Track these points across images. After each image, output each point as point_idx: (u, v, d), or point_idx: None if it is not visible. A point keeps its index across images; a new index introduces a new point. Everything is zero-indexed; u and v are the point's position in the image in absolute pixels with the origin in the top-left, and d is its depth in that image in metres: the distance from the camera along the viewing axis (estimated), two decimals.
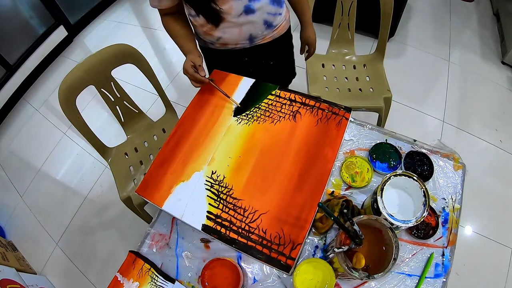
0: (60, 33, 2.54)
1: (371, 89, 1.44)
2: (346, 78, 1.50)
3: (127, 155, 1.36)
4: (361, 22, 1.52)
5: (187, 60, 0.91)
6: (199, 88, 1.00)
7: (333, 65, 1.54)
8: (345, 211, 0.64)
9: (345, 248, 0.60)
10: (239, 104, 0.94)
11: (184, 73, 0.93)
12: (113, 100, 1.27)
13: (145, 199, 0.83)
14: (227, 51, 1.03)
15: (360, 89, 1.44)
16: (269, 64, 1.12)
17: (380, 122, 1.46)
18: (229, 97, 0.94)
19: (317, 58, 1.54)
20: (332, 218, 0.61)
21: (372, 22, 1.58)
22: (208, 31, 0.96)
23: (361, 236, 0.60)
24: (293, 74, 1.30)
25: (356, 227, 0.60)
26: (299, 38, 1.17)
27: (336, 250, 0.60)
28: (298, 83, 2.05)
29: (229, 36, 0.96)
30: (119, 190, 1.25)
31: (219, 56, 1.06)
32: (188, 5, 0.90)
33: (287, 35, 1.10)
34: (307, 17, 1.11)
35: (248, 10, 0.89)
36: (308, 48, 1.19)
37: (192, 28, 1.03)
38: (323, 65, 1.54)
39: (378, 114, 1.42)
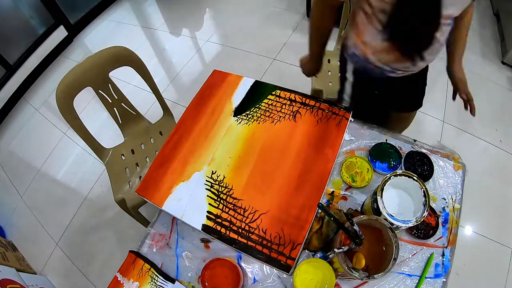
0: (60, 33, 2.54)
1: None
2: None
3: (124, 157, 1.36)
4: None
5: (313, 61, 1.00)
6: (199, 88, 1.00)
7: (339, 61, 1.54)
8: (344, 211, 0.64)
9: (345, 248, 0.60)
10: None
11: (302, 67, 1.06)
12: (110, 101, 1.27)
13: (145, 199, 0.83)
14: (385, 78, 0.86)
15: None
16: (405, 92, 1.00)
17: None
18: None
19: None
20: (332, 218, 0.61)
21: None
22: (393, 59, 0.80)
23: (361, 236, 0.60)
24: (418, 104, 1.17)
25: (356, 227, 0.60)
26: (449, 76, 1.06)
27: (336, 250, 0.60)
28: (305, 79, 2.06)
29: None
30: (114, 192, 1.25)
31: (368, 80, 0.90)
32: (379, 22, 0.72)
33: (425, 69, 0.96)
34: (459, 53, 0.98)
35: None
36: (460, 95, 1.05)
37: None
38: (328, 61, 1.55)
39: None
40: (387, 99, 0.96)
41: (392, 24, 0.71)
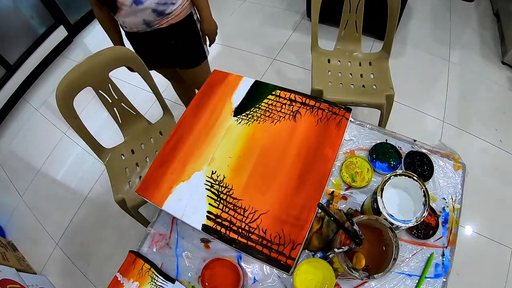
0: (60, 33, 2.54)
1: (374, 86, 1.44)
2: (351, 74, 1.51)
3: (124, 157, 1.36)
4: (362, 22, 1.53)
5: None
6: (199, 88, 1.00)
7: (339, 61, 1.55)
8: (344, 211, 0.64)
9: (345, 248, 0.60)
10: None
11: None
12: (110, 101, 1.27)
13: (145, 199, 0.83)
14: (134, 34, 1.20)
15: (363, 86, 1.46)
16: (171, 44, 1.25)
17: (382, 120, 1.46)
18: None
19: (323, 53, 1.56)
20: (332, 218, 0.61)
21: (373, 22, 1.58)
22: (116, 17, 1.14)
23: (361, 236, 0.60)
24: (202, 55, 1.38)
25: (356, 227, 0.60)
26: (200, 30, 1.30)
27: (336, 250, 0.60)
28: (303, 78, 2.07)
29: (128, 21, 1.13)
30: (114, 192, 1.25)
31: (132, 37, 1.25)
32: None
33: (187, 21, 1.21)
34: (204, 12, 1.23)
35: (137, 2, 1.05)
36: (208, 38, 1.34)
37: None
38: (328, 61, 1.55)
39: (380, 112, 1.43)
40: (156, 59, 1.33)
41: None
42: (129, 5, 1.06)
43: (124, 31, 1.24)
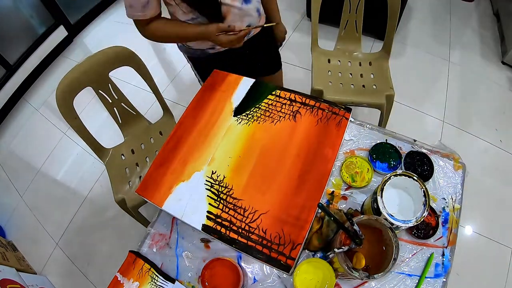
0: (60, 33, 2.54)
1: (374, 86, 1.45)
2: (351, 74, 1.51)
3: (124, 157, 1.36)
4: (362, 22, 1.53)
5: (213, 28, 0.90)
6: (199, 88, 1.00)
7: (339, 61, 1.55)
8: (345, 211, 0.65)
9: (345, 248, 0.60)
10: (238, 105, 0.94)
11: (220, 40, 0.93)
12: (110, 101, 1.27)
13: (145, 199, 0.83)
14: (221, 53, 1.07)
15: (363, 86, 1.46)
16: (261, 55, 1.19)
17: (382, 120, 1.46)
18: (262, 26, 1.02)
19: (323, 53, 1.56)
20: (332, 218, 0.61)
21: (373, 22, 1.58)
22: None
23: (361, 236, 0.60)
24: (279, 60, 1.33)
25: (356, 227, 0.60)
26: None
27: (336, 250, 0.60)
28: (303, 77, 2.07)
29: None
30: (114, 192, 1.25)
31: (212, 61, 1.08)
32: (186, 6, 0.89)
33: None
34: (278, 14, 1.18)
35: (246, 0, 0.93)
36: (279, 41, 1.30)
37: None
38: (329, 61, 1.55)
39: (380, 112, 1.43)
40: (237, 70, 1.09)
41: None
42: (239, 6, 0.92)
43: (201, 56, 1.09)
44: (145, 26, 0.96)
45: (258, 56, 1.19)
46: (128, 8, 0.88)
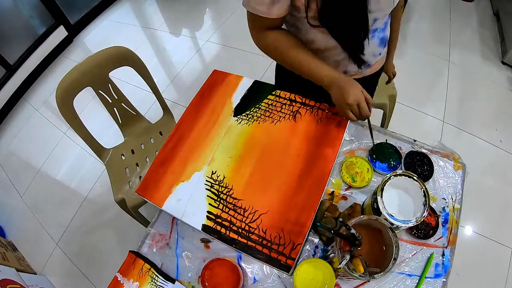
0: (60, 33, 2.54)
1: (376, 87, 1.44)
2: None
3: (124, 157, 1.36)
4: None
5: (359, 86, 0.73)
6: (199, 88, 1.00)
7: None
8: (340, 219, 0.65)
9: (348, 257, 0.59)
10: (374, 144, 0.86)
11: (351, 100, 0.72)
12: (110, 101, 1.27)
13: (145, 199, 0.83)
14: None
15: None
16: None
17: (384, 120, 1.46)
18: (371, 134, 0.86)
19: None
20: (332, 232, 0.61)
21: None
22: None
23: (358, 237, 0.60)
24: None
25: (352, 230, 0.60)
26: (383, 70, 1.15)
27: (341, 263, 0.59)
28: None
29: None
30: (114, 192, 1.25)
31: (298, 81, 0.87)
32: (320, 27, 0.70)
33: (378, 73, 0.97)
34: (393, 52, 1.11)
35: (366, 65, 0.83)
36: (390, 77, 1.26)
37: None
38: None
39: (382, 111, 1.43)
40: None
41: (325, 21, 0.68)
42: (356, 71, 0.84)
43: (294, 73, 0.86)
44: (262, 32, 0.76)
45: None
46: (251, 1, 0.69)
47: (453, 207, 0.78)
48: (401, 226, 0.65)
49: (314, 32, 0.75)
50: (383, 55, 0.90)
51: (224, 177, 0.81)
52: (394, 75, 1.28)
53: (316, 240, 0.76)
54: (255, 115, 0.91)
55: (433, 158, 0.84)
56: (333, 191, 0.82)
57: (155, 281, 0.76)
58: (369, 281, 0.70)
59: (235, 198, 0.78)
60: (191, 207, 0.78)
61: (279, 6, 0.68)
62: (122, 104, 1.32)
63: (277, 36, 0.75)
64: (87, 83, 1.17)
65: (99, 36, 2.70)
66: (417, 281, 0.70)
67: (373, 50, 0.81)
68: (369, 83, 0.95)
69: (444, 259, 0.72)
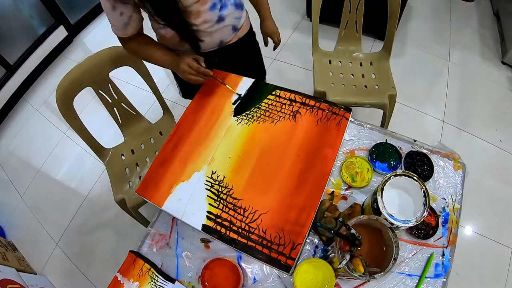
0: (60, 33, 2.54)
1: (376, 86, 1.45)
2: (352, 74, 1.51)
3: (124, 157, 1.36)
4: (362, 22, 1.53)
5: (186, 58, 0.89)
6: (199, 87, 1.00)
7: (340, 62, 1.55)
8: (340, 219, 0.65)
9: (348, 257, 0.59)
10: (240, 95, 0.95)
11: (184, 72, 0.89)
12: (110, 101, 1.27)
13: (145, 199, 0.83)
14: (201, 55, 0.99)
15: (365, 86, 1.46)
16: (238, 62, 1.12)
17: (384, 120, 1.46)
18: (229, 87, 0.96)
19: (324, 54, 1.56)
20: (332, 232, 0.61)
21: (373, 22, 1.58)
22: (179, 41, 0.95)
23: (358, 237, 0.60)
24: (263, 72, 1.32)
25: (352, 230, 0.60)
26: (261, 32, 1.19)
27: (341, 263, 0.59)
28: (304, 78, 2.07)
29: (200, 44, 0.97)
30: (114, 192, 1.25)
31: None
32: (158, 19, 0.87)
33: (250, 33, 1.13)
34: (266, 11, 1.15)
35: (220, 19, 0.93)
36: (272, 38, 1.19)
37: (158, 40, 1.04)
38: (330, 62, 1.55)
39: (382, 111, 1.43)
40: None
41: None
42: (210, 26, 0.92)
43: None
44: (125, 44, 0.98)
45: (243, 61, 1.13)
46: (112, 26, 0.91)
47: (453, 207, 0.78)
48: (401, 226, 0.65)
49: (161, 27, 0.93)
50: (245, 15, 1.05)
51: (224, 177, 0.81)
52: (278, 40, 1.19)
53: (316, 240, 0.76)
54: (255, 115, 0.91)
55: (433, 158, 0.84)
56: (333, 191, 0.82)
57: (155, 281, 0.76)
58: (369, 281, 0.70)
59: (235, 198, 0.78)
60: (191, 207, 0.78)
61: (131, 26, 0.90)
62: (122, 104, 1.32)
63: (136, 44, 0.96)
64: (87, 83, 1.17)
65: (99, 36, 2.70)
66: (417, 281, 0.70)
67: (233, 14, 0.96)
68: (250, 41, 1.14)
69: (444, 259, 0.72)
